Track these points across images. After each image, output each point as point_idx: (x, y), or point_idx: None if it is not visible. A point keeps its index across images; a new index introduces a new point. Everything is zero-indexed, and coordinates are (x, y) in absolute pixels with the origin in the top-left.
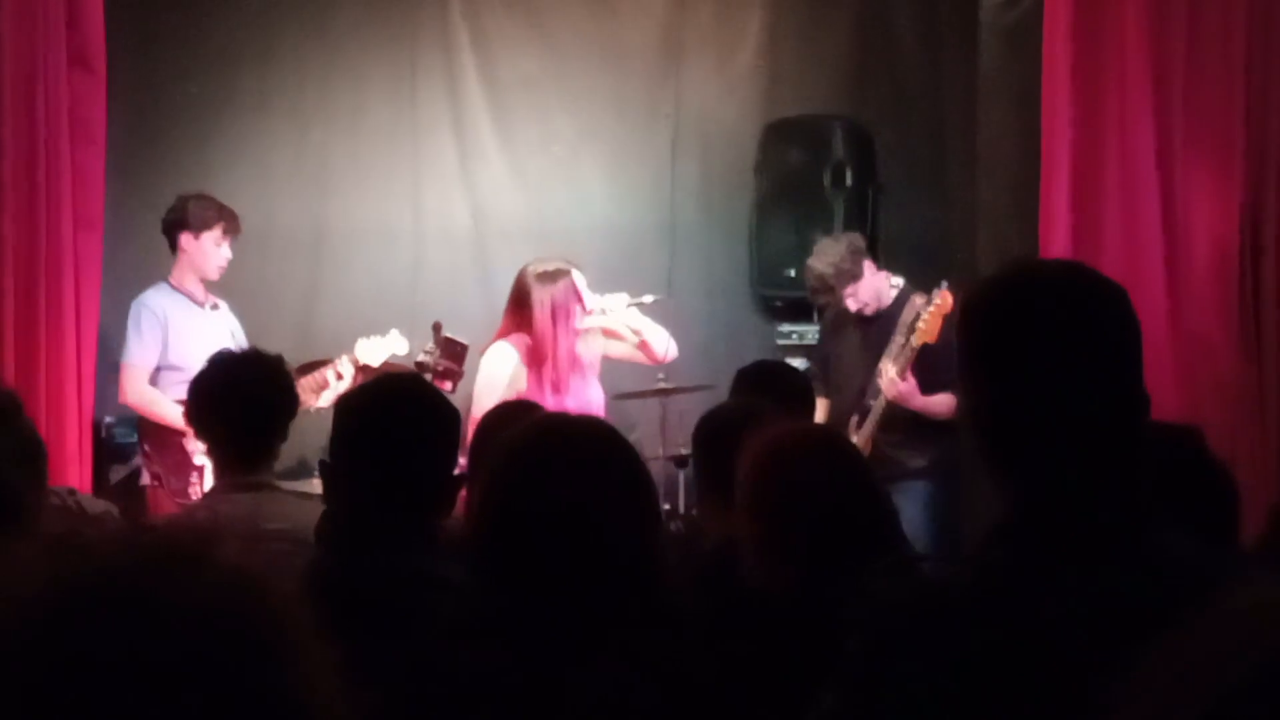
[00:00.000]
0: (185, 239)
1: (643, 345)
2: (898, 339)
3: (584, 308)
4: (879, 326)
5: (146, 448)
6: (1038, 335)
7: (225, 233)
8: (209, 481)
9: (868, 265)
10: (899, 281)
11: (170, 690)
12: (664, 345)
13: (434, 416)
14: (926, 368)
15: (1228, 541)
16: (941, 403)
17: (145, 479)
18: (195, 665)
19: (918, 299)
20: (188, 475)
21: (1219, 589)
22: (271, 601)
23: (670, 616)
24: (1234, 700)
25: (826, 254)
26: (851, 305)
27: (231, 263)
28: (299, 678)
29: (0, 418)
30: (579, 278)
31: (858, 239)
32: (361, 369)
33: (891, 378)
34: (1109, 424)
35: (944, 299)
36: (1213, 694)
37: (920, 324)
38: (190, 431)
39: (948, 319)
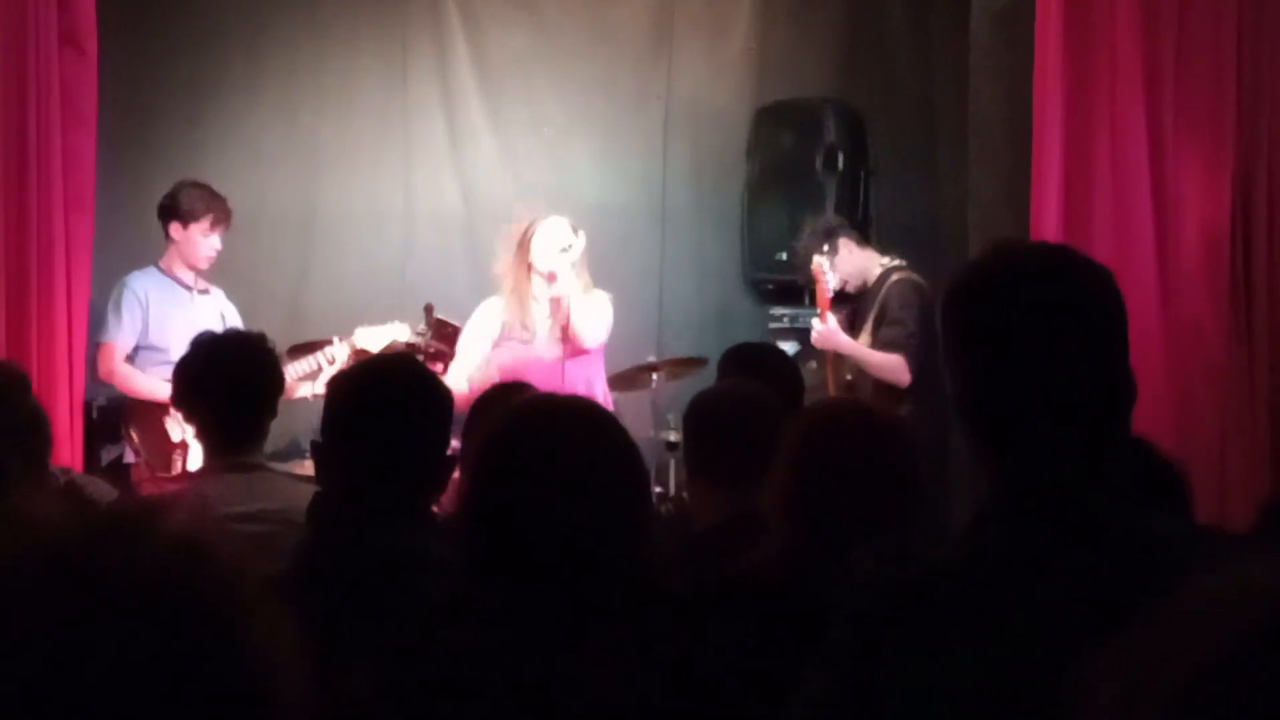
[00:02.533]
0: (174, 228)
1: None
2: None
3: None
4: (863, 304)
5: (129, 427)
6: (1021, 318)
7: (213, 225)
8: (192, 459)
9: (845, 242)
10: (887, 261)
11: (115, 660)
12: (586, 331)
13: (427, 397)
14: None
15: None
16: (871, 354)
17: (129, 457)
18: (139, 635)
19: (896, 275)
20: (169, 453)
21: (1204, 569)
22: (216, 570)
23: (660, 600)
24: (1202, 681)
25: (804, 234)
26: (837, 278)
27: (222, 244)
28: (248, 643)
29: None
30: (547, 224)
31: (834, 218)
32: (358, 353)
33: (816, 327)
34: (1094, 407)
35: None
36: (1182, 675)
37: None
38: (171, 408)
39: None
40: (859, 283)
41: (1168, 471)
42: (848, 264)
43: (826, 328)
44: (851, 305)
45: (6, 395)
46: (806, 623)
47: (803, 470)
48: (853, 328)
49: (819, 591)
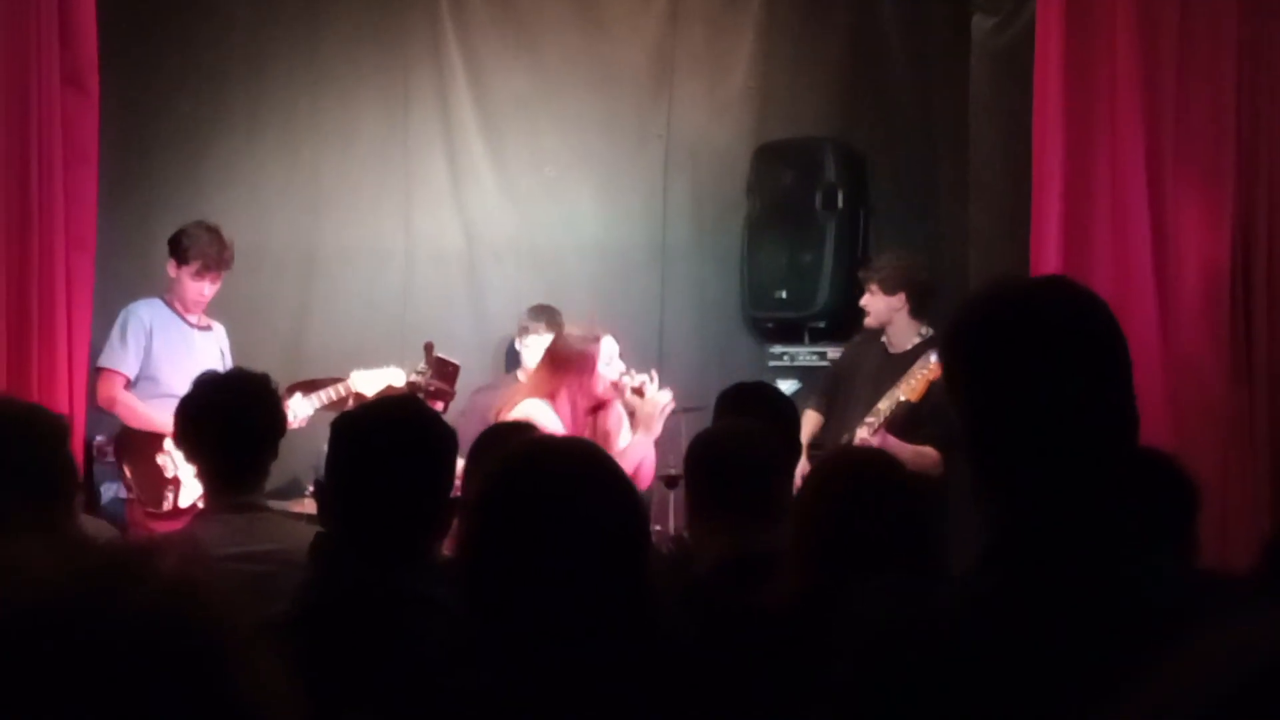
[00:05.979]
0: (170, 264)
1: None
2: (895, 390)
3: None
4: (893, 366)
5: (122, 462)
6: (1026, 353)
7: (200, 272)
8: (184, 495)
9: (900, 297)
10: (927, 332)
11: (106, 706)
12: (636, 463)
13: (431, 438)
14: (911, 423)
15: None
16: (916, 453)
17: (121, 493)
18: (135, 678)
19: (932, 355)
20: (161, 489)
21: (1208, 616)
22: (208, 613)
23: (660, 639)
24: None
25: (890, 254)
26: (863, 302)
27: (223, 282)
28: (241, 686)
29: (16, 431)
30: (609, 344)
31: (920, 274)
32: (355, 397)
33: (862, 437)
34: (1100, 441)
35: (933, 367)
36: (1197, 706)
37: (911, 379)
38: (165, 443)
39: (934, 384)
40: (876, 323)
41: (1174, 489)
42: (884, 310)
43: (879, 440)
44: (882, 363)
45: (29, 441)
46: (812, 661)
47: (816, 514)
48: (873, 385)
49: (822, 630)
